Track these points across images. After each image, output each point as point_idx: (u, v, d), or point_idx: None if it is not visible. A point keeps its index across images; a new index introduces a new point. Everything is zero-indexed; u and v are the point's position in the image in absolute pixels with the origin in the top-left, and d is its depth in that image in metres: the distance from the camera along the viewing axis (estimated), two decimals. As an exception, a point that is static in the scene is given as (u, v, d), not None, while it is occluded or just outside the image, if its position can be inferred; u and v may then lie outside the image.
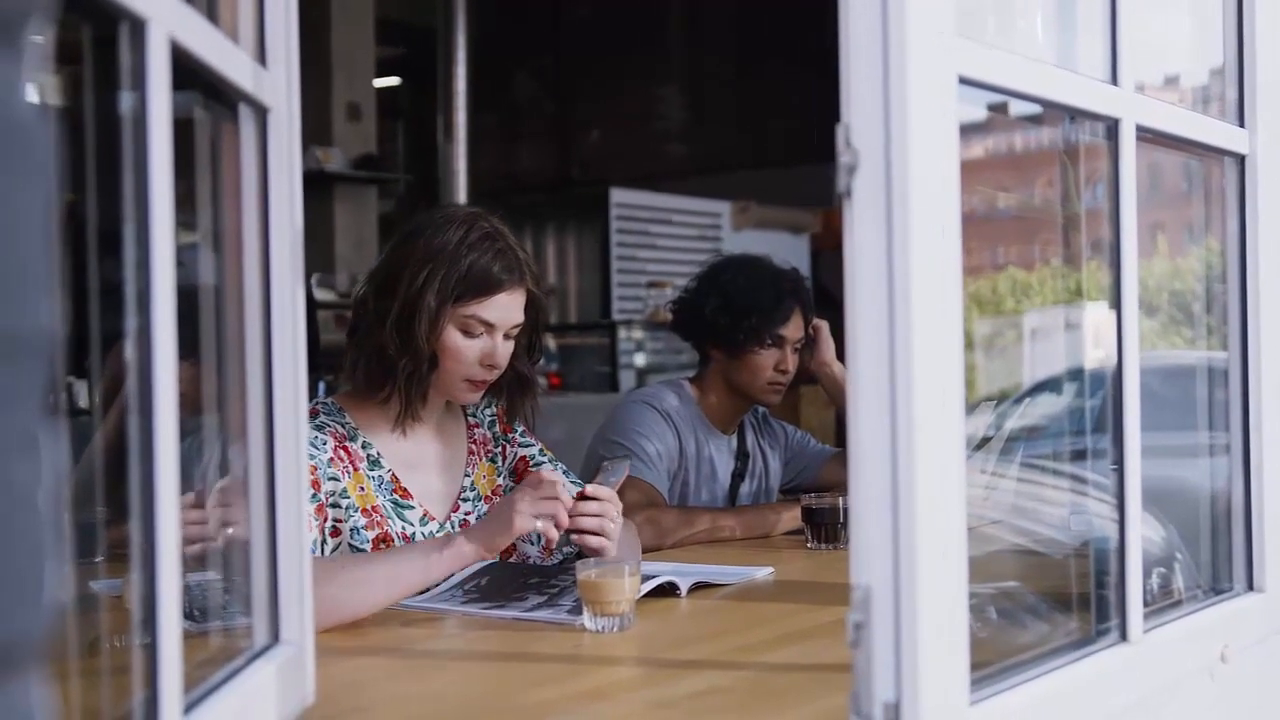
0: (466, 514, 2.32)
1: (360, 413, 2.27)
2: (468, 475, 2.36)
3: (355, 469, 2.20)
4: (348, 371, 2.25)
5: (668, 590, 2.11)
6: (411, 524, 2.22)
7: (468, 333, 2.21)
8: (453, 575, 2.10)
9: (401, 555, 2.07)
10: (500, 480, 2.40)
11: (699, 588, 2.18)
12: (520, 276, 2.24)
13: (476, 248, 2.19)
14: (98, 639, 1.26)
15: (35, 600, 0.55)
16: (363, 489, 2.19)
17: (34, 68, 0.56)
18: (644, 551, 2.65)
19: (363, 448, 2.23)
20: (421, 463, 2.30)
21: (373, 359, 2.21)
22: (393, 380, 2.21)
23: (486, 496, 2.36)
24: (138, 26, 1.00)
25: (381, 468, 2.23)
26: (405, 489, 2.25)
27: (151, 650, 1.01)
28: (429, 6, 8.46)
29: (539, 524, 2.03)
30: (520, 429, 2.47)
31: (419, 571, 2.03)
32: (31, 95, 0.56)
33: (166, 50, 1.03)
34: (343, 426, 2.23)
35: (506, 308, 2.23)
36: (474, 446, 2.39)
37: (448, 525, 2.28)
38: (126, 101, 1.02)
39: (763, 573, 2.35)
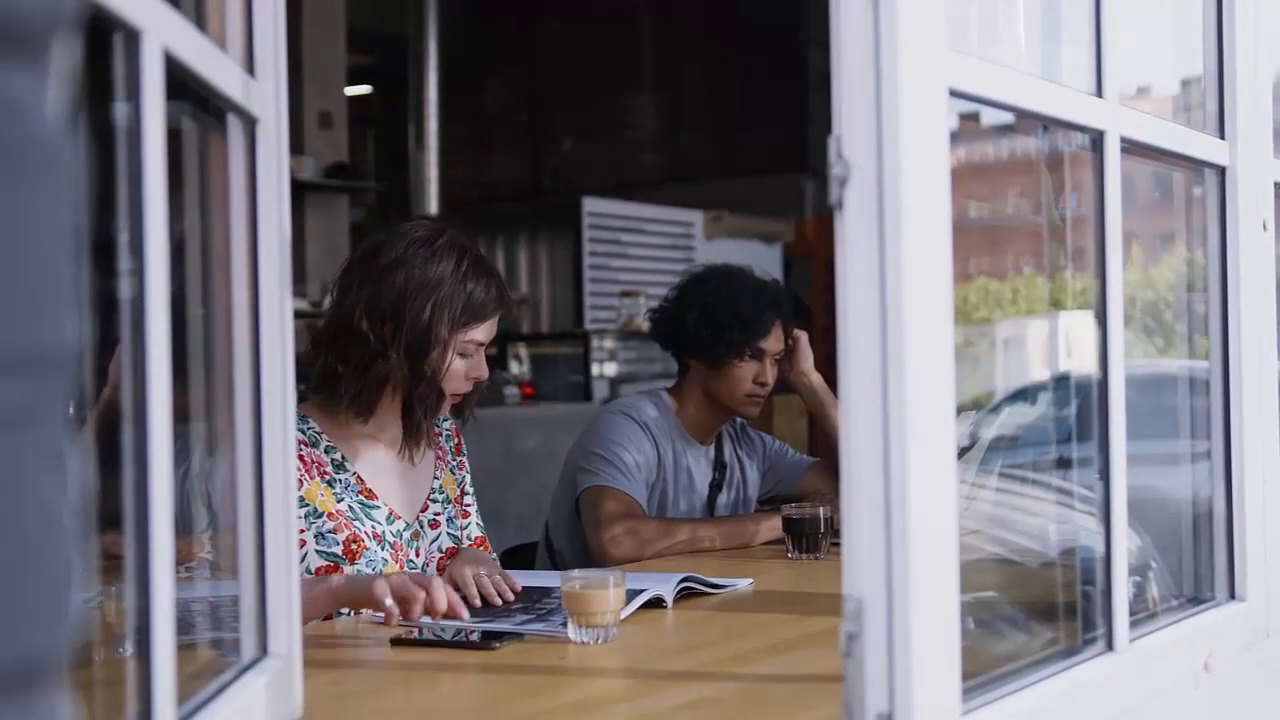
0: (436, 514, 2.41)
1: (328, 419, 2.33)
2: (436, 478, 2.44)
3: (312, 476, 2.25)
4: (347, 402, 2.28)
5: (653, 602, 2.10)
6: (379, 523, 2.29)
7: (464, 355, 2.31)
8: None
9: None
10: (458, 490, 2.50)
11: (685, 594, 2.18)
12: (507, 298, 2.37)
13: (472, 276, 2.29)
14: (91, 646, 1.26)
15: (63, 616, 0.55)
16: (323, 495, 2.25)
17: (59, 82, 0.56)
18: (624, 562, 2.65)
19: (326, 453, 2.29)
20: (390, 467, 2.36)
21: (374, 387, 2.27)
22: (371, 403, 2.29)
23: (455, 499, 2.46)
24: (132, 37, 0.99)
25: (347, 471, 2.30)
26: (371, 490, 2.31)
27: (145, 663, 1.00)
28: (400, 15, 8.45)
29: (388, 602, 1.92)
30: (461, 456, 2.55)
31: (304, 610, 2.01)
32: (56, 109, 0.55)
33: (160, 61, 1.02)
34: (304, 432, 2.27)
35: (494, 326, 2.35)
36: (440, 452, 2.48)
37: (415, 524, 2.36)
38: (120, 111, 1.01)
39: (743, 584, 2.35)
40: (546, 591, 2.18)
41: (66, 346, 0.54)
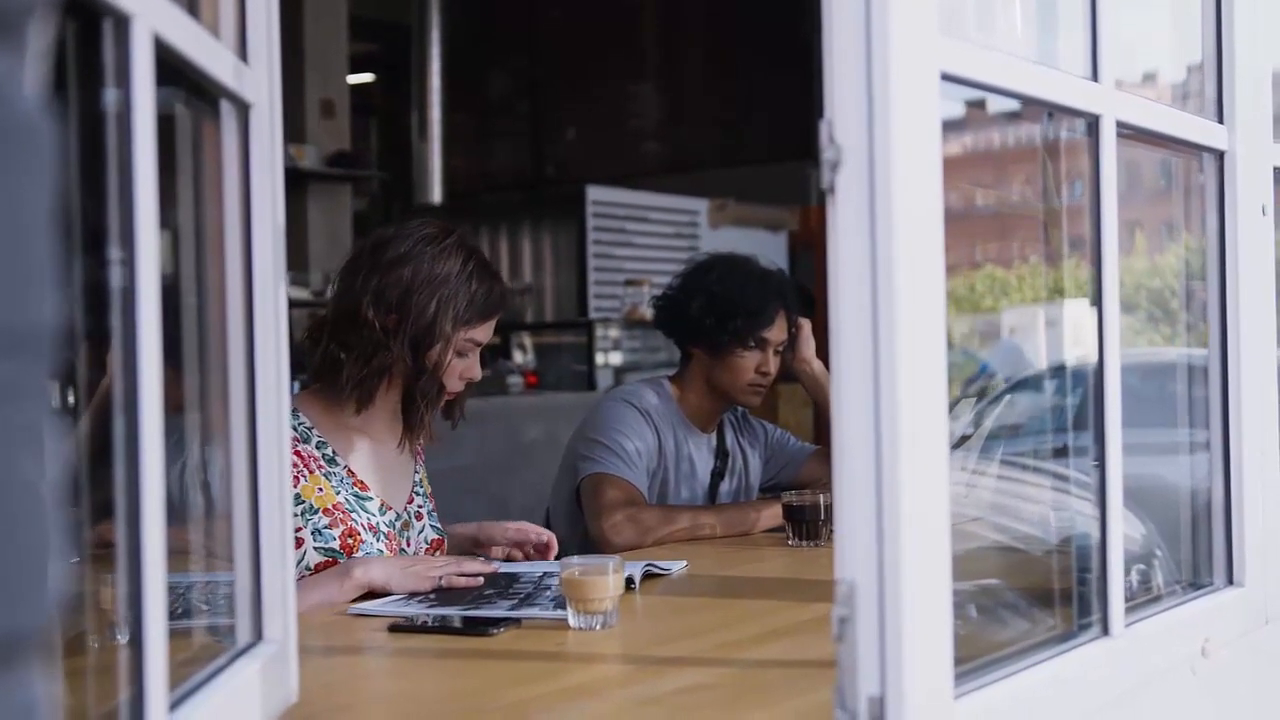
0: (419, 507, 2.46)
1: (317, 412, 2.35)
2: (417, 472, 2.48)
3: (311, 470, 2.27)
4: (348, 391, 2.30)
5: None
6: (373, 514, 2.33)
7: (461, 354, 2.34)
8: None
9: (310, 590, 2.11)
10: (430, 487, 2.54)
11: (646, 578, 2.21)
12: (508, 301, 2.40)
13: (476, 277, 2.33)
14: (84, 635, 1.26)
15: (40, 593, 0.55)
16: (320, 490, 2.27)
17: (35, 63, 0.56)
18: (625, 550, 2.65)
19: (317, 447, 2.31)
20: (376, 459, 2.39)
21: (375, 377, 2.29)
22: (371, 393, 2.31)
23: (430, 494, 2.51)
24: (121, 22, 0.99)
25: (338, 464, 2.32)
26: (362, 481, 2.34)
27: (137, 648, 1.00)
28: (403, 3, 8.45)
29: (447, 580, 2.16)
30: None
31: (330, 597, 2.10)
32: (33, 91, 0.55)
33: (150, 46, 1.02)
34: (295, 429, 2.28)
35: (492, 328, 2.39)
36: (419, 448, 2.51)
37: (405, 515, 2.40)
38: (109, 97, 1.01)
39: (678, 566, 2.38)
40: (512, 580, 2.21)
41: (45, 326, 0.55)
